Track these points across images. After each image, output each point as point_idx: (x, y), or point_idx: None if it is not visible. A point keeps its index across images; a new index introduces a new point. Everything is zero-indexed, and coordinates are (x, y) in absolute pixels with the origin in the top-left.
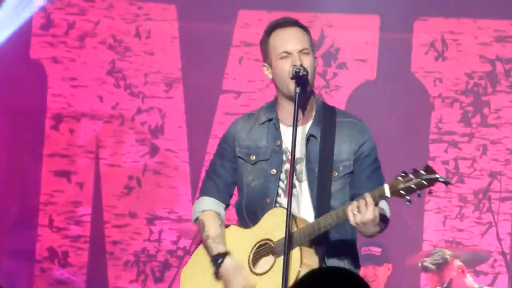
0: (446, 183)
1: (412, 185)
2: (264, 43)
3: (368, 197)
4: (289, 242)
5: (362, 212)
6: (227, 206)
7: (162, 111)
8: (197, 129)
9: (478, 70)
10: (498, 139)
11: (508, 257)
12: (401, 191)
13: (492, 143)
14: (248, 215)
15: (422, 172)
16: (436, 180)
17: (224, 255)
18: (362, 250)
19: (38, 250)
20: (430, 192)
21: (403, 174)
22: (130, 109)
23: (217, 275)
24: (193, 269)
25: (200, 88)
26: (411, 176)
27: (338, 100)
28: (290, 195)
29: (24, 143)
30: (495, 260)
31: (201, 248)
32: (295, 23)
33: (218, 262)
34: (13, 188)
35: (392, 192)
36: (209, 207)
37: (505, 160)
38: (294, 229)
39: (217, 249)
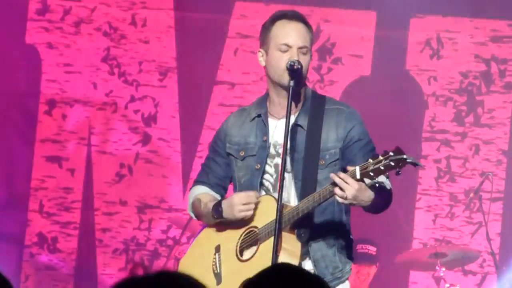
0: (414, 164)
1: (381, 167)
2: (266, 29)
3: (341, 174)
4: (273, 228)
5: (346, 189)
6: (221, 197)
7: (156, 100)
8: (190, 119)
9: (473, 70)
10: (490, 139)
11: (497, 257)
12: (370, 173)
13: (484, 143)
14: None
15: (391, 153)
16: (404, 160)
17: (219, 203)
18: (359, 248)
19: (28, 235)
20: (397, 173)
21: (374, 157)
22: (124, 96)
23: (222, 223)
24: (191, 259)
25: (194, 78)
26: (381, 157)
27: (332, 95)
28: (281, 186)
29: (16, 128)
30: (484, 260)
31: (198, 238)
32: (302, 20)
33: (219, 209)
34: (3, 172)
35: (362, 174)
36: (202, 191)
37: (497, 161)
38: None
39: (212, 204)
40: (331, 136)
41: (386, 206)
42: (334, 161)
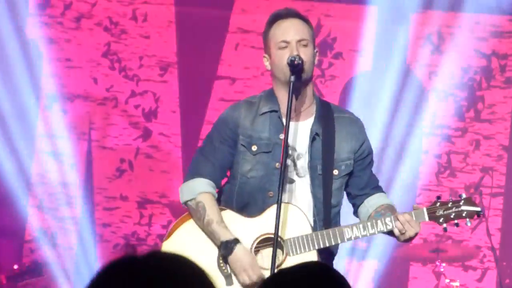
0: (482, 215)
1: (451, 215)
2: (265, 34)
3: (406, 215)
4: (308, 244)
5: (408, 230)
6: (217, 187)
7: (156, 95)
8: (190, 114)
9: (474, 65)
10: (491, 135)
11: (497, 252)
12: (440, 219)
13: (485, 138)
14: (239, 204)
15: (462, 202)
16: (477, 213)
17: (235, 241)
18: (352, 244)
19: (28, 230)
20: (467, 223)
21: (440, 201)
22: (124, 91)
23: (224, 260)
24: (176, 245)
25: (195, 73)
26: (450, 204)
27: (332, 90)
28: (280, 188)
29: (16, 122)
30: (484, 255)
31: (188, 226)
32: (296, 15)
33: (230, 248)
34: (3, 167)
35: (430, 217)
36: (207, 189)
37: (497, 156)
38: (309, 231)
39: (226, 235)
40: (345, 147)
41: None
42: (348, 173)
